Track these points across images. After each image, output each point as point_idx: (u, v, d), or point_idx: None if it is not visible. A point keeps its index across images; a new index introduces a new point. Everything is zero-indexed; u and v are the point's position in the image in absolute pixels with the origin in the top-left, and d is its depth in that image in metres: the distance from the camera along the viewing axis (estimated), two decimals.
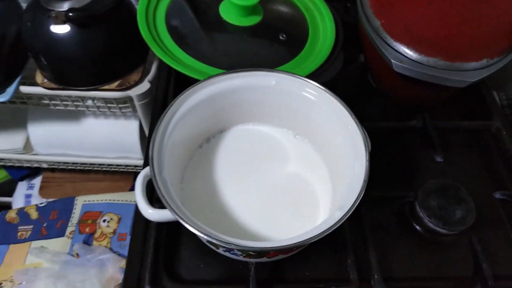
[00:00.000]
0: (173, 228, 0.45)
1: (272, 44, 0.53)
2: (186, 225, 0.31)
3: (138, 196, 0.36)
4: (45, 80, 0.61)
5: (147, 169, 0.37)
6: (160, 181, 0.34)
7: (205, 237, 0.31)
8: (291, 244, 0.31)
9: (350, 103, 0.40)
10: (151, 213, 0.36)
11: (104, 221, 0.81)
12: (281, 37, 0.53)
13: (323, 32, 0.55)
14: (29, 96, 0.65)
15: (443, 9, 0.46)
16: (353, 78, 0.63)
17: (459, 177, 0.50)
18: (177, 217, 0.31)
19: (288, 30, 0.54)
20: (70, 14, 0.52)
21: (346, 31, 0.57)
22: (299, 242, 0.31)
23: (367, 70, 0.61)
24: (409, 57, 0.45)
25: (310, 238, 0.31)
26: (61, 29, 0.54)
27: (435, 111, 0.55)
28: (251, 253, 0.36)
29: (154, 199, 0.44)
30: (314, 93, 0.41)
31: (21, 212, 0.83)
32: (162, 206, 0.39)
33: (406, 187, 0.49)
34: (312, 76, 0.49)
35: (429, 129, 0.53)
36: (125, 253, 0.78)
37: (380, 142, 0.43)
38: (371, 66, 0.57)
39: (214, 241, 0.31)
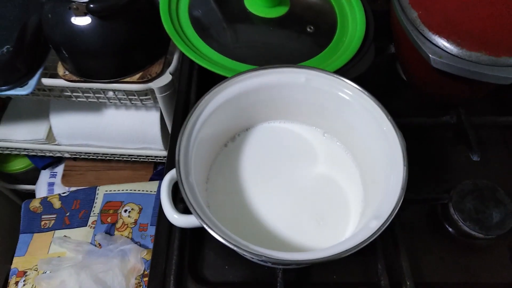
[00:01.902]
0: (197, 229, 0.44)
1: (299, 37, 0.50)
2: (215, 235, 0.30)
3: (164, 201, 0.35)
4: (67, 72, 0.60)
5: (173, 172, 0.36)
6: (187, 186, 0.33)
7: (235, 248, 0.29)
8: (327, 257, 0.29)
9: (378, 97, 0.38)
10: (177, 219, 0.35)
11: (125, 211, 0.82)
12: (308, 29, 0.50)
13: (353, 23, 0.52)
14: (51, 88, 0.64)
15: (486, 0, 0.42)
16: (381, 70, 0.60)
17: (497, 177, 0.47)
18: (205, 226, 0.30)
19: (316, 22, 0.51)
20: (91, 5, 0.50)
21: (375, 20, 0.54)
22: (335, 254, 0.29)
23: (397, 62, 0.58)
24: (449, 51, 0.41)
25: (347, 250, 0.30)
26: (82, 21, 0.53)
27: (470, 106, 0.52)
28: (282, 263, 0.35)
29: (178, 199, 0.43)
30: (347, 91, 0.39)
31: (45, 201, 0.84)
32: (186, 206, 0.38)
33: (439, 188, 0.47)
34: (342, 70, 0.47)
35: (465, 126, 0.50)
36: (146, 243, 0.78)
37: (411, 139, 0.41)
38: (403, 59, 0.54)
39: (244, 253, 0.29)
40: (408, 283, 0.39)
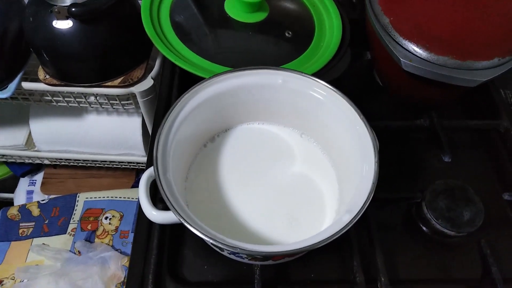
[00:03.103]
0: (177, 229, 0.44)
1: (278, 41, 0.52)
2: (191, 228, 0.30)
3: (142, 198, 0.35)
4: (47, 76, 0.60)
5: (151, 169, 0.36)
6: (165, 183, 0.33)
7: (211, 241, 0.30)
8: (299, 249, 0.30)
9: (355, 101, 0.40)
10: (155, 215, 0.35)
11: (106, 218, 0.81)
12: (287, 34, 0.52)
13: (330, 28, 0.54)
14: (31, 92, 0.64)
15: (453, 7, 0.45)
16: (358, 75, 0.62)
17: (467, 178, 0.49)
18: (182, 220, 0.31)
19: (294, 27, 0.53)
20: (73, 9, 0.51)
21: (352, 28, 0.56)
22: (307, 246, 0.30)
23: (373, 67, 0.60)
24: (419, 55, 0.44)
25: (319, 242, 0.30)
26: (63, 24, 0.53)
27: (442, 110, 0.54)
28: (257, 256, 0.35)
29: (157, 199, 0.43)
30: (322, 92, 0.40)
31: (23, 209, 0.83)
32: (165, 206, 0.39)
33: (413, 188, 0.48)
34: (319, 74, 0.48)
35: (437, 129, 0.52)
36: (127, 250, 0.78)
37: (386, 142, 0.43)
38: (378, 64, 0.56)
39: (220, 245, 0.30)
40: (383, 280, 0.40)
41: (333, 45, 0.52)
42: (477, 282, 0.43)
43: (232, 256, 0.38)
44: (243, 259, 0.37)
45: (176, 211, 0.31)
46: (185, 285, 0.41)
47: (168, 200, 0.32)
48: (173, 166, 0.36)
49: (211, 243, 0.34)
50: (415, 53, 0.44)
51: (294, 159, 0.45)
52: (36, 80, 0.62)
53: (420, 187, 0.47)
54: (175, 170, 0.37)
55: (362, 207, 0.32)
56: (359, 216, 0.32)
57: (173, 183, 0.34)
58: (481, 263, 0.44)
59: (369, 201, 0.33)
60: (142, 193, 0.36)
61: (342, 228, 0.31)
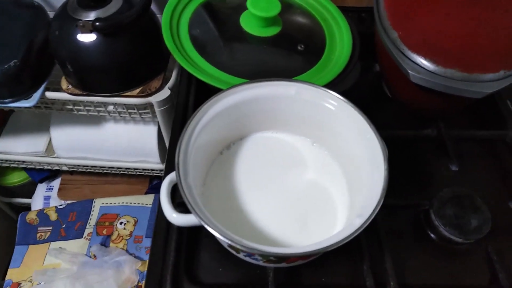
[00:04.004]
0: (194, 232, 0.46)
1: (290, 54, 0.54)
2: (211, 230, 0.32)
3: (164, 201, 0.38)
4: (70, 86, 0.63)
5: (173, 174, 0.38)
6: (186, 187, 0.35)
7: (229, 241, 0.32)
8: (313, 251, 0.32)
9: (365, 111, 0.41)
10: (176, 218, 0.37)
11: (121, 223, 0.83)
12: (299, 48, 0.54)
13: (340, 42, 0.56)
14: (54, 101, 0.67)
15: (460, 21, 0.47)
16: (367, 87, 0.63)
17: (474, 186, 0.50)
18: (201, 221, 0.33)
19: (306, 41, 0.55)
20: (97, 23, 0.54)
21: (361, 41, 0.58)
22: (320, 248, 0.32)
23: (382, 79, 0.62)
24: (427, 68, 0.45)
25: (331, 245, 0.32)
26: (87, 38, 0.56)
27: (449, 120, 0.56)
28: (272, 258, 0.37)
29: (175, 204, 0.45)
30: (333, 103, 0.42)
31: (41, 213, 0.85)
32: (183, 211, 0.41)
33: (421, 195, 0.49)
34: (330, 85, 0.50)
35: (444, 138, 0.54)
36: (141, 255, 0.80)
37: (395, 150, 0.44)
38: (387, 76, 0.58)
39: (237, 246, 0.32)
40: (392, 284, 0.42)
41: (344, 58, 0.54)
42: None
43: (247, 259, 0.40)
44: (258, 261, 0.39)
45: (197, 213, 0.33)
46: (201, 286, 0.43)
47: (189, 203, 0.34)
48: (192, 172, 0.38)
49: (229, 245, 0.36)
50: (423, 66, 0.46)
51: (306, 166, 0.47)
52: (59, 89, 0.65)
53: (428, 194, 0.48)
54: (194, 176, 0.39)
55: (373, 212, 0.34)
56: (370, 221, 0.34)
57: (193, 188, 0.36)
58: (488, 269, 0.45)
59: (380, 206, 0.34)
60: (163, 197, 0.38)
61: (354, 232, 0.33)
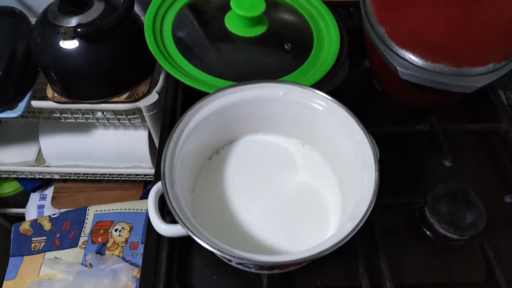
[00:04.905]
0: (186, 240, 0.45)
1: (277, 54, 0.53)
2: (199, 241, 0.32)
3: (151, 212, 0.37)
4: (56, 94, 0.62)
5: (159, 184, 0.38)
6: (172, 196, 0.34)
7: (218, 252, 0.31)
8: (305, 258, 0.31)
9: (356, 108, 0.41)
10: (164, 229, 0.37)
11: (116, 230, 0.82)
12: (286, 46, 0.53)
13: (328, 39, 0.55)
14: (40, 110, 0.66)
15: (447, 14, 0.46)
16: (358, 83, 0.63)
17: (469, 181, 0.50)
18: (190, 233, 0.32)
19: (293, 39, 0.54)
20: (79, 29, 0.52)
21: (350, 36, 0.57)
22: (312, 255, 0.31)
23: (372, 75, 0.61)
24: (415, 63, 0.45)
25: (323, 251, 0.31)
26: (70, 44, 0.55)
27: (441, 114, 0.55)
28: (264, 266, 0.37)
29: (165, 212, 0.45)
30: (321, 103, 0.42)
31: (35, 223, 0.84)
32: (173, 219, 0.40)
33: (415, 193, 0.49)
34: (319, 84, 0.50)
35: (437, 133, 0.53)
36: (138, 262, 0.79)
37: (387, 147, 0.44)
38: (376, 72, 0.57)
39: (227, 256, 0.31)
40: (388, 285, 0.41)
41: (332, 55, 0.53)
42: (481, 284, 0.44)
43: (239, 266, 0.39)
44: (251, 268, 0.38)
45: (185, 224, 0.32)
46: None
47: (177, 214, 0.33)
48: (180, 180, 0.37)
49: (219, 255, 0.36)
50: (411, 61, 0.45)
51: (297, 168, 0.46)
52: (45, 98, 0.63)
53: (422, 191, 0.48)
54: (182, 184, 0.38)
55: (364, 215, 0.33)
56: (361, 224, 0.33)
57: (181, 197, 0.36)
58: (484, 265, 0.44)
59: (371, 209, 0.34)
60: (151, 208, 0.37)
61: (346, 236, 0.32)
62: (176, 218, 0.33)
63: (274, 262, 0.32)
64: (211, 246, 0.31)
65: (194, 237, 0.32)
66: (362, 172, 0.37)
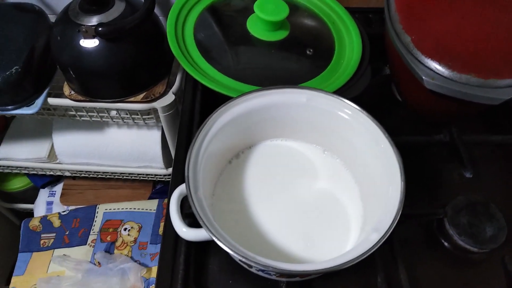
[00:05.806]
0: (202, 244, 0.45)
1: (299, 59, 0.53)
2: (224, 247, 0.31)
3: (173, 215, 0.36)
4: (73, 92, 0.62)
5: (182, 187, 0.37)
6: (197, 201, 0.34)
7: (243, 259, 0.31)
8: (329, 268, 0.31)
9: (374, 116, 0.40)
10: (186, 232, 0.36)
11: (125, 229, 0.82)
12: (308, 52, 0.53)
13: (349, 45, 0.55)
14: (56, 107, 0.66)
15: (475, 24, 0.45)
16: (377, 89, 0.62)
17: (489, 193, 0.49)
18: (214, 238, 0.32)
19: (315, 45, 0.54)
20: (100, 28, 0.52)
21: (370, 43, 0.56)
22: (337, 265, 0.31)
23: (392, 82, 0.61)
24: (441, 73, 0.44)
25: (348, 261, 0.31)
26: (90, 43, 0.55)
27: (462, 124, 0.54)
28: (286, 273, 0.36)
29: (183, 215, 0.44)
30: (346, 111, 0.41)
31: (44, 220, 0.84)
32: (191, 222, 0.39)
33: (434, 204, 0.48)
34: (341, 91, 0.49)
35: (457, 144, 0.52)
36: (146, 262, 0.79)
37: (406, 157, 0.43)
38: (398, 80, 0.57)
39: (251, 263, 0.31)
40: None
41: (354, 62, 0.52)
42: None
43: (259, 273, 0.38)
44: (271, 275, 0.38)
45: (209, 230, 0.32)
46: None
47: (201, 218, 0.32)
48: (202, 183, 0.37)
49: (243, 261, 0.35)
50: (437, 71, 0.44)
51: (317, 175, 0.46)
52: (61, 95, 0.63)
53: (441, 203, 0.47)
54: (204, 187, 0.38)
55: (390, 226, 0.33)
56: (387, 236, 0.32)
57: (204, 201, 0.35)
58: (505, 279, 0.44)
59: (397, 220, 0.33)
60: (173, 211, 0.37)
61: (371, 247, 0.32)
62: (201, 223, 0.32)
63: (298, 271, 0.31)
64: (235, 253, 0.31)
65: (218, 242, 0.31)
66: (387, 182, 0.37)
